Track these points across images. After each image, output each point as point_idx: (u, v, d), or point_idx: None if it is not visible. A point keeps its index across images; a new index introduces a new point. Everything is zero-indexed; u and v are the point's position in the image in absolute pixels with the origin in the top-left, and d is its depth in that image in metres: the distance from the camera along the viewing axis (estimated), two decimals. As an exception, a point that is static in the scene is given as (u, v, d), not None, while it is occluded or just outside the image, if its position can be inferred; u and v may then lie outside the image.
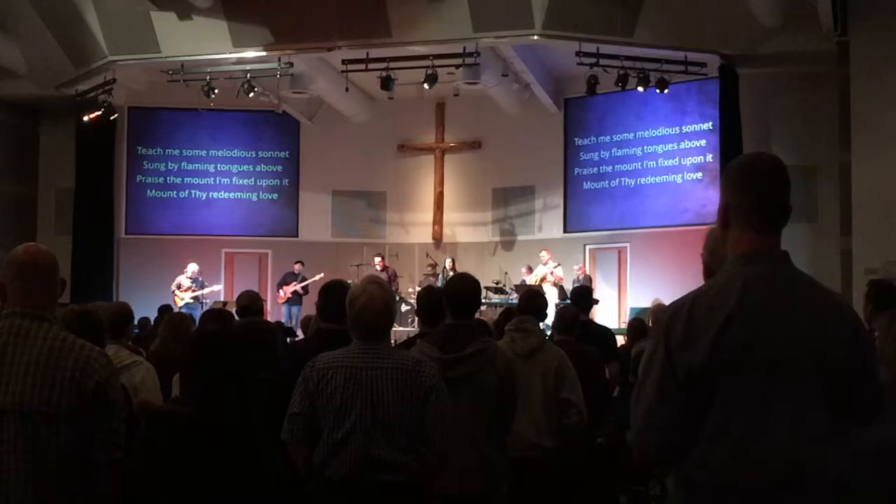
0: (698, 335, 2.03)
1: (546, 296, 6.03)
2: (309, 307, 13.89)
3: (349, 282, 4.43)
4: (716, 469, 2.01)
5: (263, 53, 13.43)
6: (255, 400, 3.06)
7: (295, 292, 15.04)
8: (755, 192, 2.13)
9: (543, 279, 14.26)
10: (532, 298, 5.13)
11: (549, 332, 8.19)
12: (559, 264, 14.54)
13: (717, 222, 2.23)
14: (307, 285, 14.89)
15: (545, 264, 14.45)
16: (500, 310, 10.47)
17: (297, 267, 15.32)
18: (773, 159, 2.20)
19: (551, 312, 12.36)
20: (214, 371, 2.92)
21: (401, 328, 13.76)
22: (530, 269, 14.69)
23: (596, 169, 15.71)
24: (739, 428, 2.00)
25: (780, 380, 2.01)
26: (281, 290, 15.11)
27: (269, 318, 13.39)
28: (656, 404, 2.07)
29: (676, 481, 2.11)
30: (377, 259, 15.08)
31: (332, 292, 4.16)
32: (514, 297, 13.47)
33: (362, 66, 13.51)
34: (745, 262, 2.11)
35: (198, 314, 13.30)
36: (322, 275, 14.08)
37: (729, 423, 2.01)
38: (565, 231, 15.94)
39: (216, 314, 5.30)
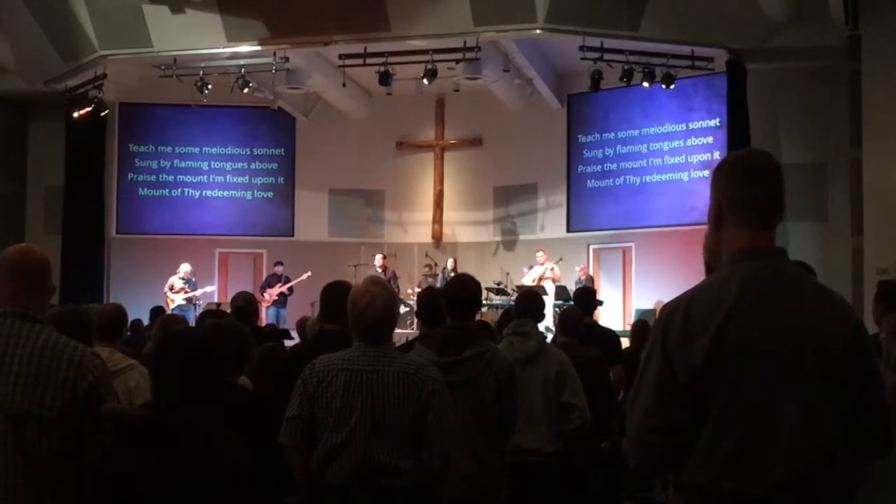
0: (696, 334, 2.02)
1: (544, 295, 6.04)
2: (295, 308, 13.92)
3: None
4: (716, 472, 2.00)
5: (258, 48, 13.43)
6: (223, 402, 3.06)
7: (281, 294, 15.05)
8: (748, 188, 2.12)
9: (542, 278, 14.29)
10: (529, 300, 5.13)
11: (548, 334, 8.22)
12: (560, 259, 14.56)
13: (709, 222, 2.22)
14: (292, 286, 14.92)
15: (542, 264, 14.49)
16: (501, 311, 10.49)
17: (278, 269, 15.34)
18: (764, 154, 2.21)
19: (550, 313, 12.52)
20: (182, 374, 2.92)
21: (400, 330, 13.76)
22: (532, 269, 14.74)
23: (600, 166, 15.72)
24: (740, 429, 1.99)
25: (781, 379, 2.00)
26: (265, 294, 15.12)
27: (262, 320, 13.46)
28: (654, 406, 2.05)
29: (675, 486, 2.10)
30: (378, 258, 15.10)
31: (332, 293, 4.17)
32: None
33: (360, 61, 13.51)
34: (741, 260, 2.10)
35: (190, 316, 13.33)
36: (309, 273, 14.13)
37: (729, 425, 2.00)
38: (568, 230, 15.96)
39: (215, 315, 5.33)
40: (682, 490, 2.08)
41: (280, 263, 15.40)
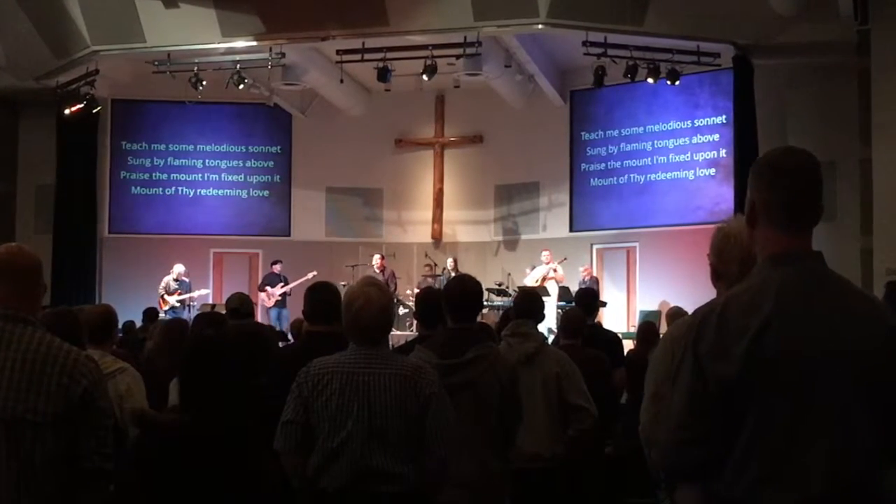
0: (731, 343, 1.99)
1: (544, 297, 6.02)
2: (296, 309, 13.91)
3: (343, 283, 4.48)
4: (751, 486, 1.97)
5: (254, 43, 13.43)
6: (252, 407, 3.09)
7: (284, 294, 15.03)
8: (786, 189, 2.08)
9: (545, 278, 14.28)
10: (527, 300, 5.09)
11: (550, 335, 8.20)
12: (565, 259, 14.54)
13: (743, 221, 2.19)
14: (292, 287, 14.88)
15: (547, 264, 14.48)
16: (502, 313, 10.49)
17: (277, 267, 15.30)
18: (804, 153, 2.16)
19: (553, 314, 12.51)
20: (214, 378, 2.94)
21: (399, 332, 13.77)
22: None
23: (603, 165, 15.72)
24: (776, 441, 1.97)
25: (820, 388, 1.97)
26: (263, 294, 15.09)
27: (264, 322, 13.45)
28: (687, 418, 2.03)
29: (705, 498, 2.08)
30: (376, 259, 15.08)
31: (318, 294, 4.22)
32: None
33: (358, 57, 13.51)
34: (777, 264, 2.07)
35: (184, 317, 13.32)
36: (315, 273, 14.06)
37: (765, 436, 1.97)
38: (571, 230, 15.95)
39: (210, 318, 5.32)
40: (715, 502, 2.05)
41: (278, 262, 15.36)
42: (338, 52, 13.71)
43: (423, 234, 16.97)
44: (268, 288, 15.16)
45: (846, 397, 1.98)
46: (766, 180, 2.12)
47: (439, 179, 17.01)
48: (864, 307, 2.08)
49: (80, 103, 14.27)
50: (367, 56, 13.41)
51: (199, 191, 16.95)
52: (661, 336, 4.15)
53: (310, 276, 14.16)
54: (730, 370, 1.98)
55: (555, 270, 14.41)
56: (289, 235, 17.04)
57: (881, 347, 2.01)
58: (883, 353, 2.01)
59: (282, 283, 15.09)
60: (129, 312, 11.15)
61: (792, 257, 2.07)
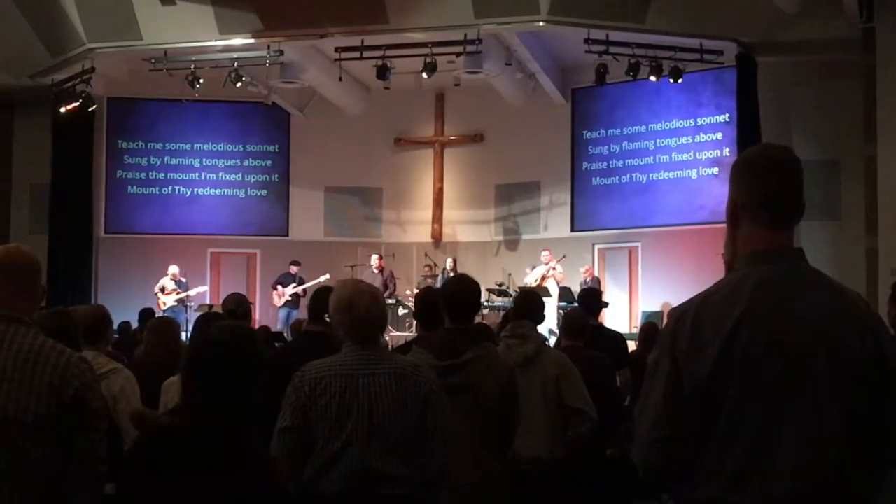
0: (706, 341, 1.99)
1: (545, 297, 6.00)
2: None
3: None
4: (724, 486, 1.98)
5: (252, 41, 13.43)
6: (252, 408, 3.08)
7: (295, 294, 15.00)
8: (766, 186, 2.09)
9: (544, 278, 14.27)
10: (526, 300, 5.06)
11: (551, 337, 8.18)
12: (563, 257, 14.53)
13: (725, 220, 2.19)
14: (306, 288, 14.85)
15: (546, 264, 14.47)
16: (503, 313, 10.47)
17: (294, 269, 15.29)
18: (783, 150, 2.17)
19: (554, 315, 12.49)
20: (219, 379, 2.92)
21: (398, 332, 13.77)
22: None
23: (605, 164, 15.71)
24: (750, 439, 1.97)
25: (794, 388, 1.97)
26: (276, 292, 15.08)
27: (260, 322, 13.45)
28: (662, 417, 2.03)
29: (684, 500, 2.08)
30: (374, 259, 15.07)
31: (318, 295, 4.36)
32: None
33: (357, 55, 13.51)
34: (756, 262, 2.07)
35: (182, 317, 13.32)
36: (328, 276, 14.03)
37: (738, 435, 1.97)
38: (573, 230, 15.95)
39: (211, 319, 5.30)
40: (689, 502, 2.05)
41: (296, 263, 15.33)
42: (336, 49, 13.71)
43: (422, 234, 16.97)
44: (279, 287, 15.13)
45: (822, 396, 1.97)
46: (748, 178, 2.12)
47: (439, 179, 17.01)
48: (845, 305, 2.07)
49: (75, 101, 14.26)
50: (366, 54, 13.42)
51: (196, 190, 16.94)
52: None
53: (322, 279, 14.11)
54: (704, 368, 1.98)
55: (553, 269, 14.40)
56: (287, 235, 17.03)
57: (860, 346, 2.01)
58: (862, 351, 2.00)
59: (295, 284, 15.06)
60: (126, 313, 11.15)
61: (773, 255, 2.08)
